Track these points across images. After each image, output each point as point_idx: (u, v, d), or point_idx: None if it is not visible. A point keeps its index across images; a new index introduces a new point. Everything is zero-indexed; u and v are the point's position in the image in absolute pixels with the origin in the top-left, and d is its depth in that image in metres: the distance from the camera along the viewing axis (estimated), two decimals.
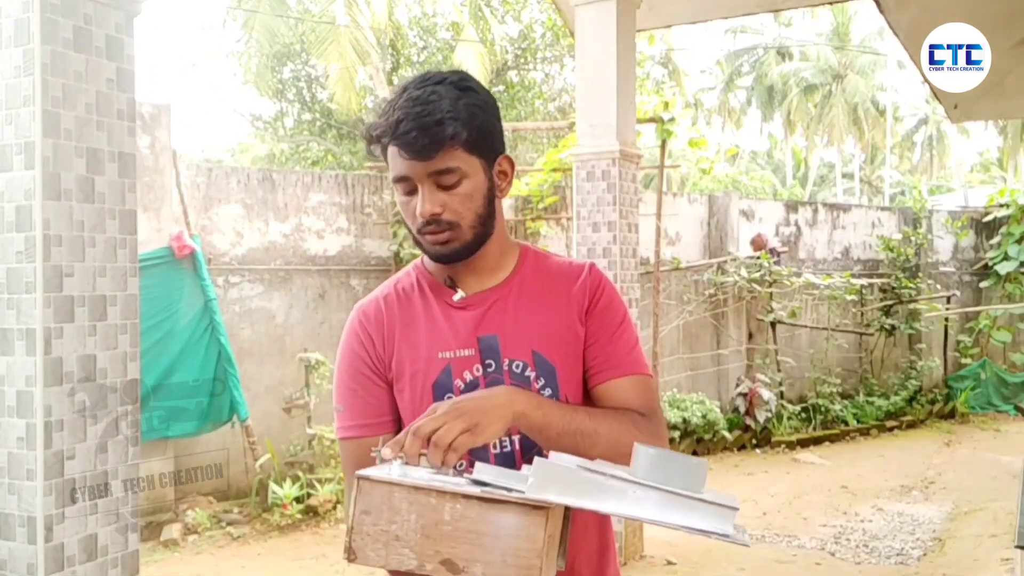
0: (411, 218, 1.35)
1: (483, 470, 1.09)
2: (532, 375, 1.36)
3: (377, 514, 1.08)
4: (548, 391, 1.36)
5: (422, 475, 1.11)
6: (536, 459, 1.08)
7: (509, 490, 1.06)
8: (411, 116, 1.27)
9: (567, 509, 1.16)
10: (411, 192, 1.33)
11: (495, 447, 1.36)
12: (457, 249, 1.35)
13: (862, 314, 10.33)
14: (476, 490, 1.06)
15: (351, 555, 1.09)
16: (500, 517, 1.05)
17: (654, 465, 1.07)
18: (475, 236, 1.35)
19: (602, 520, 1.43)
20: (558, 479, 1.05)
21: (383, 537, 1.07)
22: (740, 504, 1.11)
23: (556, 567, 1.16)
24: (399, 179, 1.33)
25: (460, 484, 1.08)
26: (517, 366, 1.36)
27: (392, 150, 1.31)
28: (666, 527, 1.05)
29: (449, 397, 1.34)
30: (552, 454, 1.16)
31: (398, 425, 1.40)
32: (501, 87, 13.11)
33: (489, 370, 1.36)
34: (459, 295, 1.40)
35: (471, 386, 1.35)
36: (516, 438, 1.36)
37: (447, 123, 1.27)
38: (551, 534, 1.08)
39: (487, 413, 1.19)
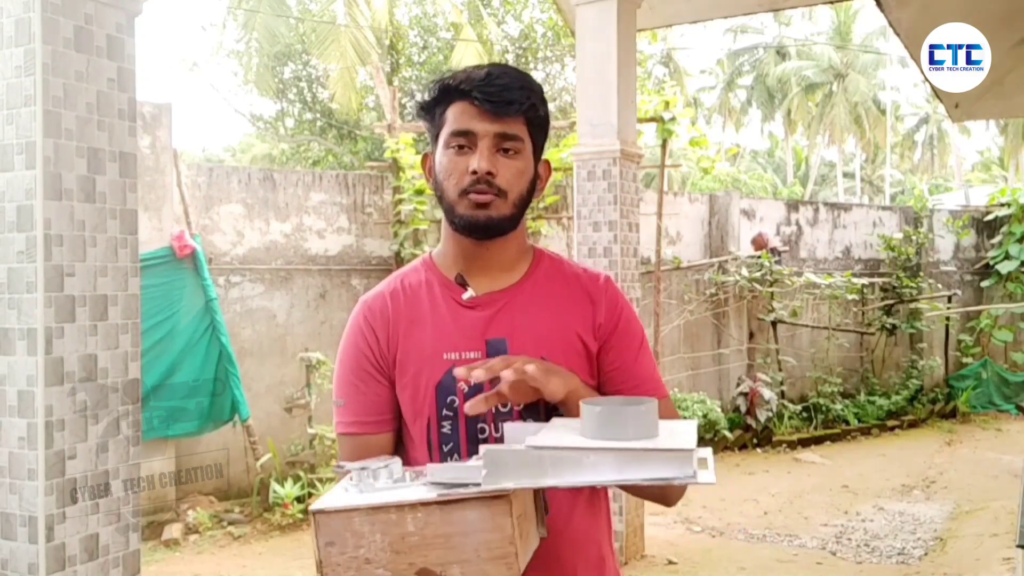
0: (457, 177, 1.31)
1: (436, 471, 1.08)
2: None
3: (342, 543, 1.06)
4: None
5: (380, 488, 1.10)
6: (482, 447, 1.06)
7: (466, 486, 1.05)
8: (496, 74, 1.30)
9: None
10: (465, 150, 1.31)
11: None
12: (493, 218, 1.32)
13: (863, 313, 10.32)
14: (433, 495, 1.05)
15: None
16: (464, 515, 1.04)
17: (603, 422, 1.06)
18: (512, 215, 1.34)
19: (602, 530, 1.41)
20: (510, 464, 1.04)
21: (353, 564, 1.06)
22: (708, 449, 1.08)
23: (538, 536, 1.16)
24: (460, 133, 1.31)
25: (419, 492, 1.07)
26: None
27: (459, 106, 1.31)
28: (630, 484, 1.05)
29: (452, 399, 1.33)
30: (508, 427, 1.18)
31: (398, 423, 1.38)
32: None
33: None
34: (469, 294, 1.36)
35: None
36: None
37: (527, 90, 1.32)
38: (520, 514, 1.06)
39: (556, 372, 1.24)
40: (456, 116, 1.31)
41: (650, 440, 1.04)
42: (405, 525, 1.04)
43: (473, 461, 1.09)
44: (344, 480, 1.13)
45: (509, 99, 1.29)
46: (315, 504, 1.09)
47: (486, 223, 1.32)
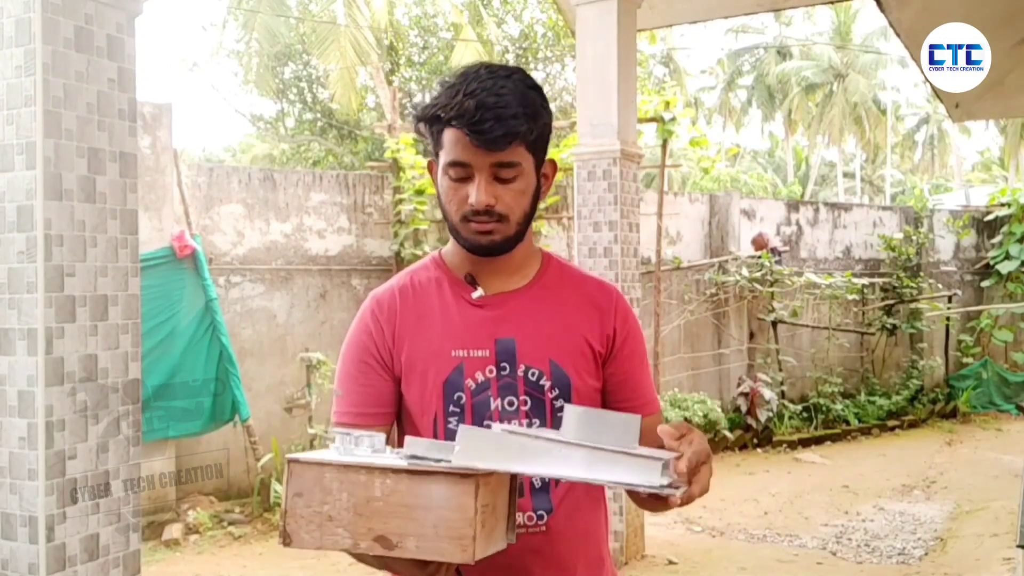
0: (457, 204, 1.32)
1: (414, 444, 1.08)
2: (547, 384, 1.35)
3: (309, 496, 1.07)
4: (560, 403, 1.34)
5: (360, 454, 1.10)
6: (461, 427, 1.07)
7: (437, 460, 1.05)
8: (488, 105, 1.25)
9: (513, 481, 1.15)
10: (463, 179, 1.30)
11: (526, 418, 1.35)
12: (498, 242, 1.33)
13: (863, 313, 10.32)
14: (404, 463, 1.05)
15: (286, 539, 1.09)
16: (430, 489, 1.04)
17: (584, 424, 1.07)
18: (517, 232, 1.34)
19: (601, 530, 1.43)
20: (484, 445, 1.05)
21: (316, 519, 1.07)
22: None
23: (505, 541, 1.15)
24: (456, 164, 1.29)
25: (392, 459, 1.08)
26: (533, 373, 1.35)
27: (454, 134, 1.28)
28: (594, 483, 1.05)
29: (459, 396, 1.34)
30: (495, 428, 1.15)
31: (395, 417, 1.40)
32: None
33: (503, 373, 1.34)
34: (478, 293, 1.37)
35: (482, 387, 1.33)
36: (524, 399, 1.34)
37: (521, 117, 1.27)
38: (486, 503, 1.06)
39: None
40: (451, 145, 1.29)
41: (629, 447, 1.05)
42: (372, 489, 1.05)
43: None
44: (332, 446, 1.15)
45: (498, 134, 1.26)
46: (291, 454, 1.10)
47: (489, 247, 1.34)
